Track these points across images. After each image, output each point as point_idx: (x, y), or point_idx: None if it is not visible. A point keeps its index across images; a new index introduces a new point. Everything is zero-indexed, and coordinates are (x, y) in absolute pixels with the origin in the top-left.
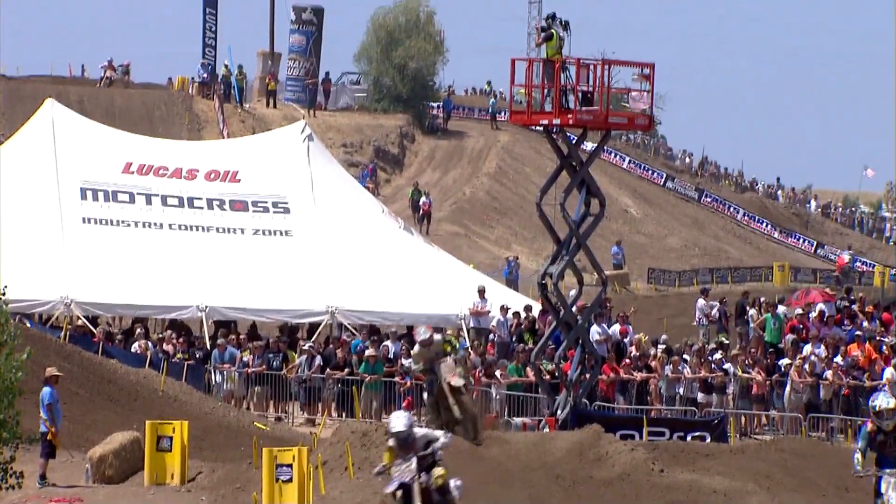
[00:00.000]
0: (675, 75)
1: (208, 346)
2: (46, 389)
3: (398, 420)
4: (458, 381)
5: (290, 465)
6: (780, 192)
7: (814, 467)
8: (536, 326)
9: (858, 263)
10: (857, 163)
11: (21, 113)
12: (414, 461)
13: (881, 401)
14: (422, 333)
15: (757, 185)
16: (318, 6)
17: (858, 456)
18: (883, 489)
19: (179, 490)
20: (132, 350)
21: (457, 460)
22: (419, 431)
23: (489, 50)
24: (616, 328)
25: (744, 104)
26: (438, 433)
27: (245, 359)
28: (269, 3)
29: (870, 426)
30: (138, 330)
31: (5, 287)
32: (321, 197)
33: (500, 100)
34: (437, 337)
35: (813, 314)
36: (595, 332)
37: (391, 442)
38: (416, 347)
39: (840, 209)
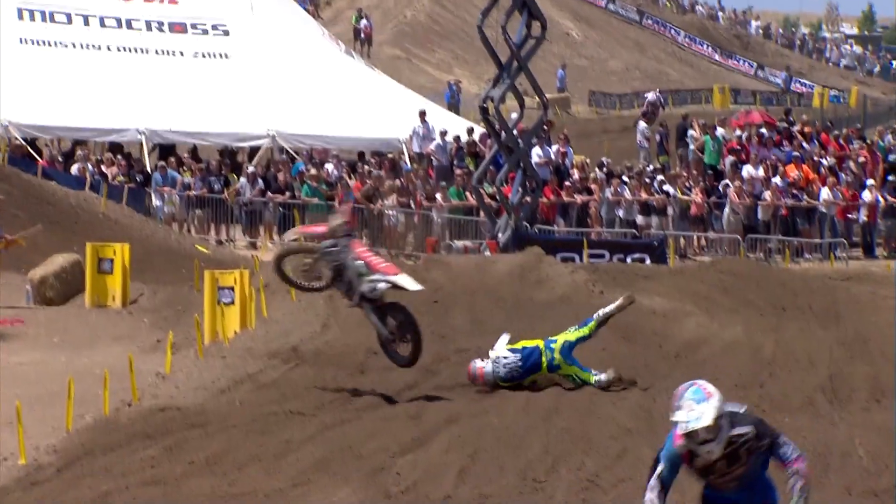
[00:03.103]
0: None
1: (149, 169)
2: None
3: None
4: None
5: (231, 288)
6: (720, 14)
7: (752, 288)
8: (478, 150)
9: (797, 84)
10: None
11: None
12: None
13: (685, 414)
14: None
15: (697, 6)
16: None
17: (653, 497)
18: None
19: (121, 312)
20: (72, 173)
21: None
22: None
23: None
24: (556, 150)
25: None
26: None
27: (186, 181)
28: None
29: (680, 443)
30: (78, 152)
31: None
32: (261, 19)
33: None
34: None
35: (752, 135)
36: (536, 154)
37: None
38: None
39: (780, 31)
